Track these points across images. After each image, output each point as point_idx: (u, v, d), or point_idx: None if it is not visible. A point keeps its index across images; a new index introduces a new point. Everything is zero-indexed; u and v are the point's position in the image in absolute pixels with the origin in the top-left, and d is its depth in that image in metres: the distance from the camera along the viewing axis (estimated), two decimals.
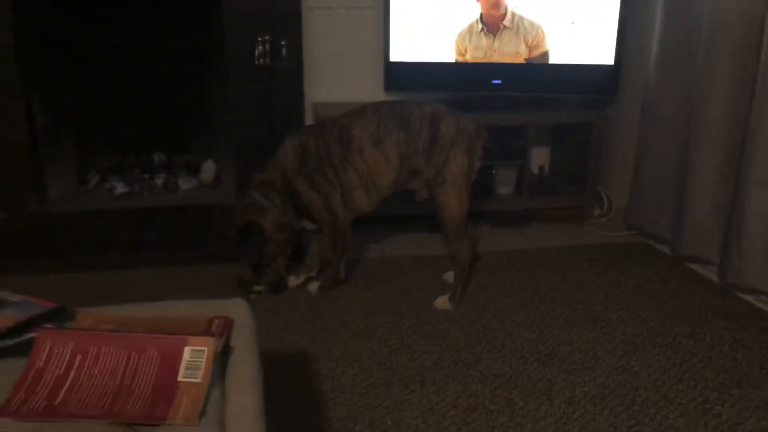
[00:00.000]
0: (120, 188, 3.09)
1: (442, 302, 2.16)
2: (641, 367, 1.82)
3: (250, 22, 2.67)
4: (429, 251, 2.63)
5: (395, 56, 2.80)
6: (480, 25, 2.80)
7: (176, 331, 1.07)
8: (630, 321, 2.09)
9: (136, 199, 3.04)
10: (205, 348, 1.02)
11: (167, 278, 2.35)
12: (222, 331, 1.13)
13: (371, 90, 2.81)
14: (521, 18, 2.80)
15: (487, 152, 2.15)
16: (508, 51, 2.83)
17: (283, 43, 2.70)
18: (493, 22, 2.80)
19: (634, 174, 2.83)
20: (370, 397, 1.66)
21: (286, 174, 2.13)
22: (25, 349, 1.02)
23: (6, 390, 0.94)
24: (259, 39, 2.68)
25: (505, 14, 2.79)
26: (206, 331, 1.12)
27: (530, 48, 2.83)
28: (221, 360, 1.07)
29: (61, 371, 0.97)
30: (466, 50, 2.82)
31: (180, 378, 0.98)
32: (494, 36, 2.81)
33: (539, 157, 3.17)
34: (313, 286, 2.27)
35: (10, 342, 1.06)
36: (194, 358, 1.00)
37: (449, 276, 2.32)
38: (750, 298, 2.23)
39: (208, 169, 3.25)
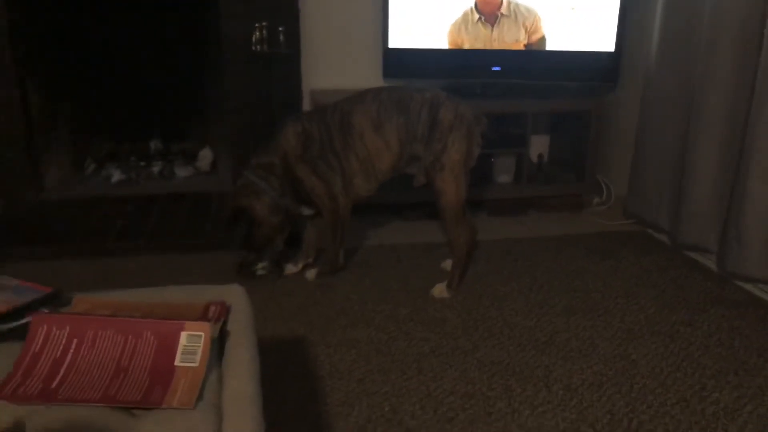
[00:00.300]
0: (117, 176, 3.07)
1: (439, 290, 2.16)
2: (639, 355, 1.82)
3: (247, 8, 2.65)
4: (427, 239, 2.63)
5: (394, 43, 2.78)
6: (476, 15, 2.77)
7: (172, 316, 1.06)
8: (628, 309, 2.09)
9: (133, 186, 3.03)
10: (202, 333, 1.01)
11: (164, 265, 2.34)
12: (218, 316, 1.12)
13: (370, 77, 2.79)
14: (517, 5, 2.77)
15: (486, 140, 2.14)
16: (509, 40, 2.81)
17: (280, 29, 2.67)
18: (489, 11, 2.77)
19: (633, 163, 2.82)
20: (368, 384, 1.66)
21: (287, 159, 2.12)
22: (21, 334, 1.01)
23: (2, 374, 0.93)
24: (257, 25, 2.65)
25: (501, 2, 2.77)
26: (203, 317, 1.11)
27: (529, 34, 2.81)
28: (218, 345, 1.06)
29: (58, 355, 0.96)
30: (462, 41, 2.79)
31: (177, 363, 0.97)
32: (492, 25, 2.78)
33: (538, 146, 3.16)
34: (311, 273, 2.26)
35: (6, 326, 1.05)
36: (191, 343, 1.00)
37: (447, 264, 2.32)
38: (748, 287, 2.23)
39: (205, 156, 3.24)
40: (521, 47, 2.82)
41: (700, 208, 2.42)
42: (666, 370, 1.75)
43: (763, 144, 2.10)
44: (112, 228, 2.57)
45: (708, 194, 2.39)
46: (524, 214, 3.00)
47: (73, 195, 2.90)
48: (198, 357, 0.98)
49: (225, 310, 1.15)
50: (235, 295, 1.23)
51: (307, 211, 2.22)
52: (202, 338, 1.00)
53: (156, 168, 3.17)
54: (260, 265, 2.20)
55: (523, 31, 2.80)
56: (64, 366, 0.95)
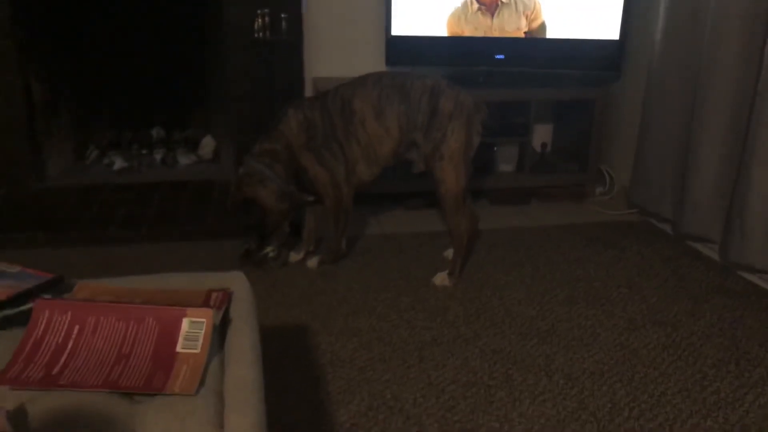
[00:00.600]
0: (119, 163, 3.07)
1: (441, 279, 2.16)
2: (640, 345, 1.82)
3: None
4: (428, 228, 2.63)
5: (397, 30, 2.76)
6: (475, 5, 2.75)
7: (174, 303, 1.06)
8: (630, 299, 2.09)
9: (135, 174, 3.03)
10: (204, 319, 1.01)
11: (166, 253, 2.34)
12: (220, 303, 1.12)
13: (372, 64, 2.77)
14: None
15: (488, 129, 2.13)
16: (509, 28, 2.79)
17: (283, 16, 2.66)
18: (489, 1, 2.75)
19: (636, 152, 2.81)
20: (369, 372, 1.66)
21: (290, 147, 2.11)
22: (23, 320, 1.01)
23: (4, 359, 0.93)
24: (259, 12, 2.64)
25: None
26: (205, 304, 1.11)
27: (529, 21, 2.79)
28: (220, 332, 1.06)
29: (60, 341, 0.97)
30: (462, 31, 2.77)
31: (178, 349, 0.98)
32: (492, 15, 2.76)
33: (541, 135, 3.14)
34: (313, 262, 2.26)
35: (8, 312, 1.05)
36: (193, 330, 1.00)
37: (449, 253, 2.32)
38: (751, 277, 2.23)
39: (207, 144, 3.23)
40: (521, 35, 2.80)
41: (703, 198, 2.41)
42: (667, 359, 1.75)
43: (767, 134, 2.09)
44: (114, 216, 2.57)
45: (711, 184, 2.38)
46: (526, 204, 2.99)
47: (74, 182, 2.90)
48: (200, 343, 0.98)
49: (227, 298, 1.15)
50: (237, 282, 1.23)
51: (309, 198, 2.22)
52: (204, 325, 1.00)
53: (158, 156, 3.17)
54: (269, 248, 2.20)
55: (523, 20, 2.78)
56: (66, 352, 0.95)
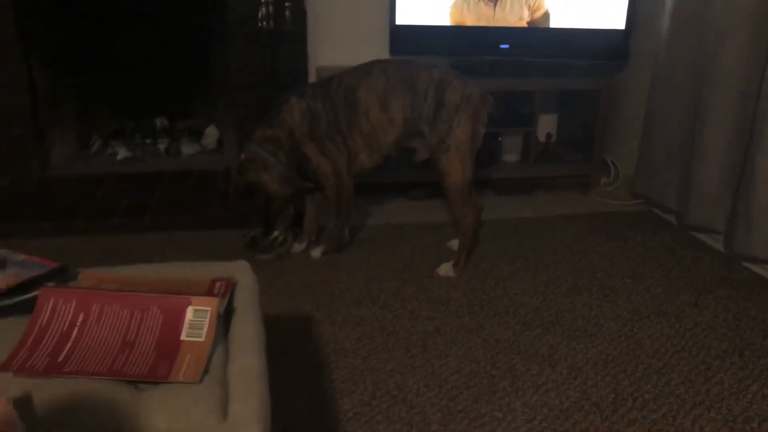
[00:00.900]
0: (122, 153, 3.07)
1: (445, 269, 2.16)
2: (644, 335, 1.82)
3: None
4: (432, 218, 2.62)
5: (401, 19, 2.75)
6: None
7: (179, 291, 1.06)
8: (634, 289, 2.08)
9: (139, 164, 3.03)
10: (208, 308, 1.01)
11: (169, 242, 2.35)
12: (224, 292, 1.13)
13: (376, 54, 2.74)
14: None
15: (493, 119, 2.12)
16: (511, 19, 2.77)
17: (286, 5, 2.64)
18: None
19: (641, 142, 2.79)
20: (373, 361, 1.66)
21: (293, 135, 2.10)
22: (28, 307, 1.01)
23: (9, 347, 0.94)
24: (263, 1, 2.62)
25: None
26: (209, 292, 1.11)
27: (532, 12, 2.77)
28: (224, 321, 1.06)
29: (65, 329, 0.97)
30: (464, 21, 2.75)
31: (183, 337, 0.98)
32: (494, 4, 2.74)
33: (546, 125, 3.13)
34: (316, 252, 2.26)
35: (13, 300, 1.06)
36: (197, 318, 1.00)
37: (453, 243, 2.32)
38: (756, 268, 2.22)
39: (211, 134, 3.23)
40: (524, 25, 2.78)
41: (709, 189, 2.40)
42: (671, 350, 1.75)
43: None
44: (118, 205, 2.57)
45: (716, 174, 2.37)
46: (531, 194, 2.99)
47: (78, 172, 2.90)
48: (204, 332, 0.98)
49: (231, 286, 1.15)
50: (241, 271, 1.23)
51: (309, 185, 2.21)
52: (209, 313, 1.00)
53: (162, 145, 3.17)
54: (276, 233, 2.19)
55: (526, 10, 2.76)
56: (71, 340, 0.95)
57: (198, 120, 3.31)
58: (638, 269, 2.23)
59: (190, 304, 1.01)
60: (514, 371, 1.64)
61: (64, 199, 2.63)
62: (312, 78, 2.83)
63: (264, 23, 2.65)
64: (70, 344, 0.95)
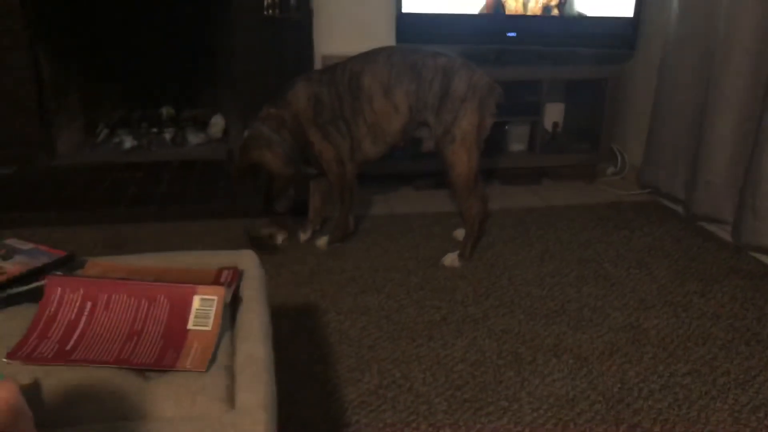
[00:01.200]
0: (128, 142, 3.08)
1: (451, 259, 2.15)
2: (650, 325, 1.82)
3: None
4: (437, 208, 2.62)
5: (408, 7, 2.73)
6: None
7: (185, 280, 1.07)
8: (640, 279, 2.08)
9: (145, 153, 3.04)
10: (215, 297, 1.01)
11: (175, 232, 2.35)
12: (231, 281, 1.13)
13: (382, 42, 2.71)
14: None
15: (500, 108, 2.10)
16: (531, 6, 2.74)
17: None
18: None
19: (649, 132, 2.78)
20: (378, 350, 1.67)
21: (298, 117, 2.08)
22: (36, 296, 1.02)
23: (18, 335, 0.94)
24: None
25: None
26: (215, 282, 1.11)
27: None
28: (230, 310, 1.07)
29: (72, 317, 0.97)
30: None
31: (189, 326, 0.98)
32: None
33: (553, 114, 3.11)
34: (322, 242, 2.26)
35: (21, 289, 1.06)
36: (204, 307, 1.00)
37: (458, 233, 2.31)
38: (763, 258, 2.21)
39: (217, 123, 3.23)
40: (538, 11, 2.75)
41: (716, 178, 2.38)
42: (677, 340, 1.75)
43: None
44: (124, 194, 2.58)
45: (724, 163, 2.35)
46: (537, 183, 2.98)
47: (85, 161, 2.91)
48: (211, 321, 0.99)
49: (237, 275, 1.16)
50: (247, 260, 1.23)
51: (310, 171, 2.20)
52: (215, 302, 1.01)
53: (167, 135, 3.17)
54: (279, 236, 2.20)
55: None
56: (79, 328, 0.96)
57: (204, 109, 3.31)
58: (645, 259, 2.22)
59: (196, 293, 1.01)
60: (519, 361, 1.64)
61: (70, 188, 2.64)
62: (318, 66, 2.82)
63: (269, 11, 2.64)
64: (77, 333, 0.95)
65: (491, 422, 1.42)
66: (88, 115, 3.18)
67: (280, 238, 2.22)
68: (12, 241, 1.18)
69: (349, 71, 2.08)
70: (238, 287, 1.14)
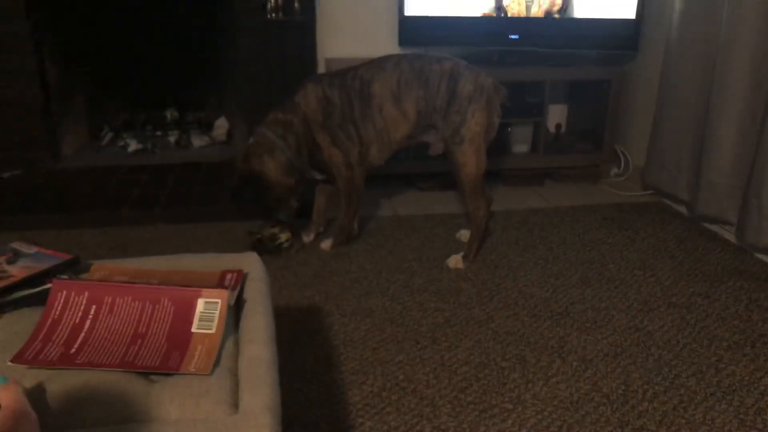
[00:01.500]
0: (133, 145, 3.09)
1: (455, 261, 2.15)
2: (654, 327, 1.81)
3: None
4: (442, 210, 2.62)
5: (410, 10, 2.73)
6: None
7: (189, 283, 1.07)
8: (644, 280, 2.07)
9: (149, 156, 3.05)
10: (219, 300, 1.02)
11: (180, 234, 2.36)
12: (235, 284, 1.13)
13: (385, 45, 2.75)
14: None
15: (503, 109, 2.11)
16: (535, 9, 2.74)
17: None
18: None
19: (652, 132, 2.77)
20: (382, 352, 1.67)
21: (307, 122, 2.08)
22: (40, 299, 1.02)
23: (23, 338, 0.95)
24: None
25: None
26: (219, 284, 1.12)
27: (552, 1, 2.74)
28: (234, 312, 1.07)
29: (77, 320, 0.98)
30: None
31: (194, 329, 0.98)
32: None
33: (556, 115, 3.11)
34: (326, 244, 2.26)
35: (26, 292, 1.07)
36: (208, 310, 1.00)
37: (462, 234, 2.31)
38: None
39: (221, 126, 3.24)
40: (541, 15, 2.75)
41: (720, 179, 2.38)
42: (682, 341, 1.74)
43: None
44: (128, 197, 2.58)
45: (728, 164, 2.35)
46: (541, 185, 2.97)
47: (89, 164, 2.92)
48: (215, 323, 0.99)
49: (241, 278, 1.16)
50: (251, 263, 1.23)
51: (318, 176, 2.21)
52: (219, 305, 1.01)
53: (172, 137, 3.18)
54: (283, 235, 2.20)
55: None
56: (83, 331, 0.96)
57: (208, 112, 3.32)
58: (649, 260, 2.21)
59: (200, 296, 1.02)
60: (524, 363, 1.64)
61: (75, 191, 2.65)
62: (321, 69, 2.82)
63: (273, 14, 2.65)
64: (82, 336, 0.96)
65: (495, 424, 1.42)
66: (93, 118, 3.19)
67: (284, 240, 2.22)
68: (17, 245, 1.19)
69: (359, 78, 2.08)
70: (242, 290, 1.14)
